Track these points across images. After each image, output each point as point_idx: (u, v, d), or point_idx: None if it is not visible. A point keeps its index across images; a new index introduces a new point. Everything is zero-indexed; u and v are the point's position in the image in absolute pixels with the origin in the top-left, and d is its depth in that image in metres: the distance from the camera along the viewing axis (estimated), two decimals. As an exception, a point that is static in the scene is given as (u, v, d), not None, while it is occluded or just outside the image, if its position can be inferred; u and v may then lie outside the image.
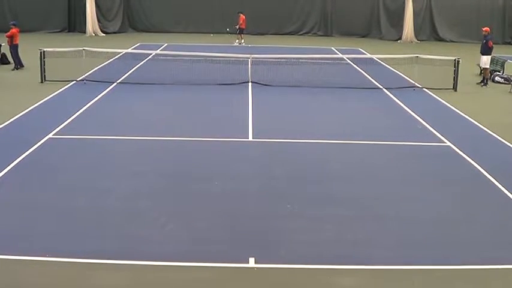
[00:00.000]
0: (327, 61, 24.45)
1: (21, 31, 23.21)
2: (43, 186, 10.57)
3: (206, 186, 10.70)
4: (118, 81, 20.20)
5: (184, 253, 8.16)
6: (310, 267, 7.84)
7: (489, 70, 22.00)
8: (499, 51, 25.87)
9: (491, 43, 21.55)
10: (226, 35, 34.21)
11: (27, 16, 35.38)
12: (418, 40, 36.99)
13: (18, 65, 22.42)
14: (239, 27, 33.17)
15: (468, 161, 12.44)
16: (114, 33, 36.81)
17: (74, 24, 37.73)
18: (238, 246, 8.40)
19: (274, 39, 35.84)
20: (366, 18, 38.41)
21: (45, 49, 20.44)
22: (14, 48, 22.33)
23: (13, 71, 22.22)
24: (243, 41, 33.13)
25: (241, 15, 33.32)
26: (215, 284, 7.47)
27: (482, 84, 21.58)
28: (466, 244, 8.72)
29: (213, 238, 8.66)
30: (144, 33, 36.87)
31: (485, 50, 21.54)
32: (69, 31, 37.42)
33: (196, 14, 37.76)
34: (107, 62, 23.34)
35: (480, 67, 22.59)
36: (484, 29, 22.30)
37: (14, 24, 22.75)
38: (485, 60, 21.66)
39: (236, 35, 33.40)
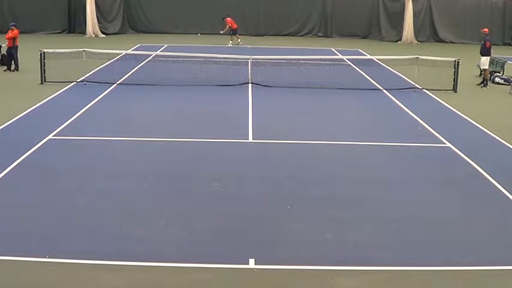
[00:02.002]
0: (327, 62, 24.41)
1: (21, 32, 23.19)
2: (43, 187, 10.57)
3: (206, 188, 10.69)
4: (118, 82, 20.21)
5: (184, 254, 8.16)
6: (311, 268, 7.84)
7: (489, 71, 22.00)
8: (499, 52, 25.89)
9: (489, 43, 21.58)
10: (222, 35, 34.19)
11: (27, 17, 35.31)
12: (418, 41, 37.00)
13: (12, 66, 22.34)
14: (231, 29, 33.09)
15: (468, 162, 12.45)
16: (114, 34, 36.81)
17: (74, 25, 37.73)
18: (238, 247, 8.40)
19: (274, 40, 35.85)
20: (365, 20, 38.42)
21: (45, 50, 20.44)
22: (15, 50, 22.34)
23: (13, 72, 22.19)
24: (239, 40, 33.11)
25: (227, 18, 33.24)
26: (215, 285, 7.47)
27: (482, 85, 21.58)
28: (466, 245, 8.72)
29: (213, 239, 8.66)
30: (144, 34, 36.88)
31: (484, 51, 21.57)
32: (69, 32, 37.42)
33: (196, 15, 37.74)
34: (107, 63, 23.33)
35: (480, 68, 22.60)
36: (483, 30, 22.34)
37: (15, 26, 22.70)
38: (483, 61, 21.68)
39: (230, 36, 33.35)
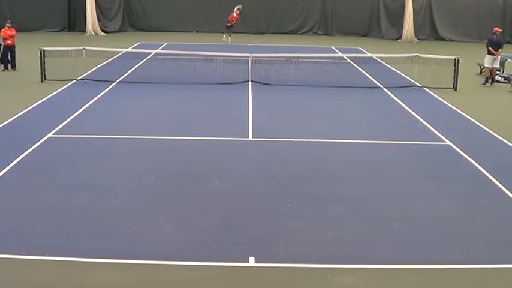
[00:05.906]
0: (327, 60, 24.43)
1: (20, 30, 23.08)
2: (43, 185, 10.58)
3: (206, 186, 10.70)
4: (118, 81, 20.20)
5: (184, 252, 8.16)
6: (311, 266, 7.85)
7: (489, 69, 21.93)
8: (499, 50, 25.84)
9: (487, 41, 21.58)
10: (220, 34, 34.15)
11: (27, 15, 35.33)
12: (418, 39, 36.93)
13: (4, 66, 22.22)
14: (230, 23, 33.04)
15: (468, 160, 12.44)
16: (114, 32, 36.76)
17: (74, 23, 37.69)
18: (238, 245, 8.40)
19: (274, 38, 35.82)
20: (366, 18, 38.37)
21: (45, 48, 20.43)
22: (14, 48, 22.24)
23: (12, 71, 22.08)
24: (230, 38, 33.02)
25: (236, 10, 33.19)
26: (215, 283, 7.48)
27: (486, 83, 21.49)
28: (465, 243, 8.73)
29: (213, 237, 8.66)
30: (144, 33, 36.82)
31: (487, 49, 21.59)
32: (69, 30, 37.38)
33: (196, 13, 37.74)
34: (107, 61, 23.33)
35: (480, 66, 22.57)
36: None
37: (12, 23, 22.47)
38: (485, 60, 21.65)
39: (227, 31, 33.30)
